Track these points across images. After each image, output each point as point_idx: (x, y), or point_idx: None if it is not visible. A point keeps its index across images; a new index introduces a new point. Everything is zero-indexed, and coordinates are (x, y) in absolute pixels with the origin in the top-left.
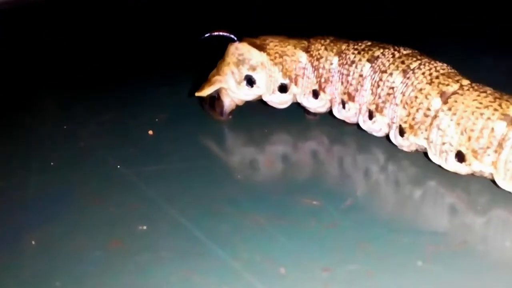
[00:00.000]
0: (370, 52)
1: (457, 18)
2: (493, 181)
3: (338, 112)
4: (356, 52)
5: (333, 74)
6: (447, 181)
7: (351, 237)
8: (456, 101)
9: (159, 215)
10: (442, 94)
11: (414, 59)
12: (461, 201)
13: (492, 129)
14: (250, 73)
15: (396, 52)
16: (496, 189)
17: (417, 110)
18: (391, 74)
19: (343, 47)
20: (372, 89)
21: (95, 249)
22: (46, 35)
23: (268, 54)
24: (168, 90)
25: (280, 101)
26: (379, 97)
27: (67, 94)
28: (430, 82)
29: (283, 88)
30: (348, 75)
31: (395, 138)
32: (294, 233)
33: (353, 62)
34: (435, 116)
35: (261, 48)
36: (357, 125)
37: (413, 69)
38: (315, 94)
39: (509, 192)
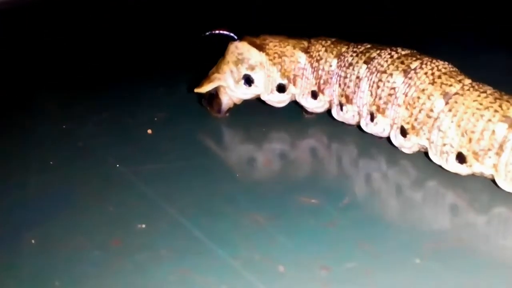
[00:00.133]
0: (367, 54)
1: (456, 18)
2: (493, 181)
3: (336, 114)
4: (354, 54)
5: (332, 76)
6: (446, 180)
7: (350, 235)
8: (456, 102)
9: (158, 214)
10: (445, 95)
11: (414, 58)
12: (459, 199)
13: (493, 131)
14: (248, 72)
15: (394, 53)
16: (496, 188)
17: (419, 111)
18: (391, 74)
19: (343, 49)
20: (371, 91)
21: (94, 248)
22: (45, 35)
23: (267, 54)
24: (167, 89)
25: (278, 100)
26: (380, 98)
27: (66, 94)
28: (433, 82)
29: (281, 88)
30: (345, 77)
31: (395, 138)
32: (293, 231)
33: (350, 64)
34: (438, 117)
35: (260, 48)
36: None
37: (414, 69)
38: (314, 95)
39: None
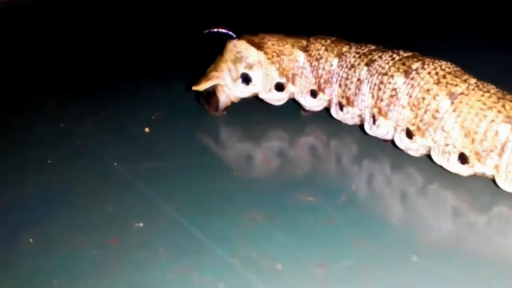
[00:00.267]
0: (370, 56)
1: (456, 18)
2: (493, 180)
3: (335, 113)
4: (357, 56)
5: (333, 76)
6: (446, 179)
7: (347, 233)
8: (461, 102)
9: (156, 213)
10: (451, 95)
11: (415, 59)
12: (458, 198)
13: (496, 132)
14: (246, 71)
15: (395, 55)
16: (496, 188)
17: (425, 112)
18: (392, 76)
19: (344, 49)
20: (372, 93)
21: (92, 247)
22: (43, 35)
23: (266, 53)
24: (164, 87)
25: (276, 98)
26: (381, 100)
27: (63, 93)
28: (438, 82)
29: (279, 87)
30: (346, 78)
31: (400, 141)
32: (290, 229)
33: (352, 66)
34: (443, 117)
35: (259, 46)
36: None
37: (416, 69)
38: (313, 94)
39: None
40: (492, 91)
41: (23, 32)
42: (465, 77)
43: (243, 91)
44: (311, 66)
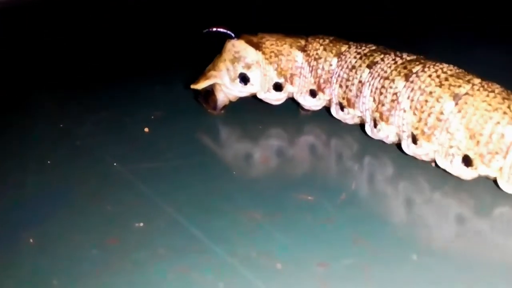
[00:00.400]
0: (371, 58)
1: (456, 18)
2: (494, 181)
3: (336, 113)
4: (358, 56)
5: (332, 75)
6: (446, 179)
7: (347, 232)
8: (466, 103)
9: (156, 213)
10: (455, 96)
11: (417, 63)
12: (458, 197)
13: (502, 134)
14: (244, 71)
15: (398, 58)
16: (497, 188)
17: (428, 115)
18: (393, 80)
19: (343, 48)
20: (373, 97)
21: (92, 247)
22: (43, 35)
23: (264, 53)
24: (163, 87)
25: (275, 98)
26: (383, 105)
27: (63, 93)
28: (440, 85)
29: (278, 87)
30: (347, 79)
31: (408, 147)
32: (290, 228)
33: (353, 67)
34: (447, 119)
35: (257, 46)
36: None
37: (416, 73)
38: (313, 93)
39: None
40: (496, 91)
41: (23, 32)
42: (469, 77)
43: (241, 91)
44: (309, 66)
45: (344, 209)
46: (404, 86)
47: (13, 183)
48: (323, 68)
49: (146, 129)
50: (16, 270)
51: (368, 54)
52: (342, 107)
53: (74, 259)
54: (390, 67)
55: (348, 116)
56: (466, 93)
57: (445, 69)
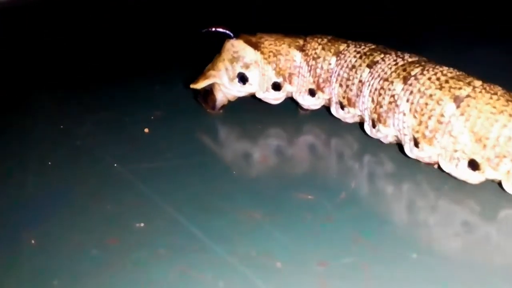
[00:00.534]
0: (371, 58)
1: (456, 18)
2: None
3: (336, 112)
4: (358, 56)
5: (331, 75)
6: (446, 177)
7: (346, 230)
8: (468, 105)
9: (156, 212)
10: (455, 98)
11: (417, 65)
12: (458, 195)
13: (510, 137)
14: (243, 70)
15: (399, 59)
16: (499, 188)
17: (429, 118)
18: (392, 82)
19: (341, 47)
20: (372, 97)
21: (92, 247)
22: (43, 35)
23: (262, 52)
24: (163, 87)
25: (274, 98)
26: (381, 106)
27: (63, 93)
28: (440, 87)
29: (276, 87)
30: (348, 79)
31: (411, 151)
32: (289, 227)
33: (353, 66)
34: (449, 122)
35: (256, 46)
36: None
37: (415, 75)
38: (312, 93)
39: None
40: (499, 93)
41: (23, 32)
42: (469, 79)
43: (240, 90)
44: (308, 66)
45: (344, 208)
46: (402, 89)
47: (13, 183)
48: (322, 68)
49: (146, 129)
50: (16, 270)
51: (368, 53)
52: (342, 106)
53: (75, 258)
54: (390, 68)
55: (348, 115)
56: (468, 96)
57: (445, 72)
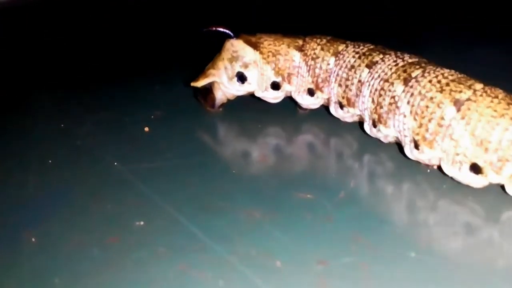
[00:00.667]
0: (370, 57)
1: (455, 18)
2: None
3: (335, 111)
4: (357, 56)
5: (330, 75)
6: (446, 177)
7: (346, 230)
8: (469, 109)
9: (156, 212)
10: (455, 102)
11: (417, 67)
12: (457, 194)
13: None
14: (242, 70)
15: (399, 60)
16: (499, 188)
17: (429, 120)
18: (392, 83)
19: (340, 47)
20: (372, 97)
21: (92, 246)
22: (43, 35)
23: (261, 52)
24: (163, 87)
25: (273, 97)
26: (381, 107)
27: (63, 93)
28: (441, 90)
29: (275, 86)
30: (347, 79)
31: (411, 152)
32: (289, 226)
33: (352, 66)
34: (449, 125)
35: (255, 46)
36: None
37: (415, 77)
38: (311, 92)
39: None
40: (500, 96)
41: (23, 32)
42: (470, 82)
43: (239, 89)
44: (307, 65)
45: (344, 207)
46: (403, 90)
47: (13, 183)
48: (320, 68)
49: (146, 129)
50: (17, 269)
51: (367, 53)
52: (341, 106)
53: (75, 258)
54: (390, 68)
55: (348, 115)
56: (468, 99)
57: (446, 74)
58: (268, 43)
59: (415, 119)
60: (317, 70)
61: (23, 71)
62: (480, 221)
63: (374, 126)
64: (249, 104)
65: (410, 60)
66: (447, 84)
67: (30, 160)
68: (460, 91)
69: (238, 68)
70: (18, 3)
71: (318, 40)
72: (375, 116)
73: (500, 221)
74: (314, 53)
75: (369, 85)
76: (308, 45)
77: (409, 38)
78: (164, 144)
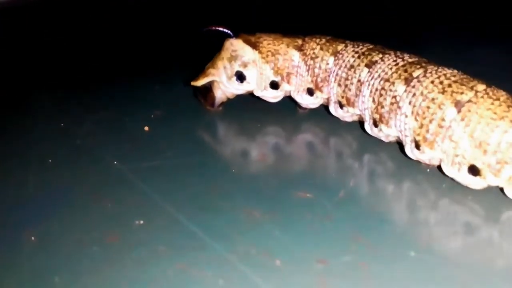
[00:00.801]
0: (369, 57)
1: (456, 18)
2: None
3: (335, 111)
4: (356, 55)
5: (330, 74)
6: (444, 176)
7: (345, 229)
8: (469, 111)
9: (156, 211)
10: (456, 103)
11: (418, 66)
12: (456, 193)
13: (511, 143)
14: (241, 69)
15: (399, 60)
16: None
17: (430, 121)
18: (393, 83)
19: (339, 47)
20: (373, 97)
21: (92, 244)
22: (43, 35)
23: (260, 52)
24: (163, 87)
25: (272, 96)
26: (382, 107)
27: (63, 93)
28: (443, 91)
29: (274, 85)
30: (346, 79)
31: (411, 152)
32: (288, 226)
33: (352, 66)
34: (449, 126)
35: (254, 46)
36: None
37: (417, 77)
38: (310, 92)
39: None
40: (502, 98)
41: (23, 32)
42: (472, 84)
43: (238, 89)
44: (306, 65)
45: (344, 207)
46: (405, 90)
47: (14, 182)
48: (320, 67)
49: (146, 128)
50: (17, 268)
51: (366, 53)
52: (341, 106)
53: (75, 257)
54: (391, 68)
55: (347, 114)
56: (469, 101)
57: (448, 75)
58: (267, 42)
59: (416, 120)
60: (316, 70)
61: (23, 71)
62: (480, 221)
63: (375, 125)
64: (248, 104)
65: (410, 60)
66: (449, 85)
67: (30, 160)
68: (462, 93)
69: (237, 67)
70: (18, 3)
71: (318, 40)
72: (376, 116)
73: (500, 221)
74: (313, 53)
75: (369, 84)
76: (307, 45)
77: (409, 38)
78: (164, 144)
